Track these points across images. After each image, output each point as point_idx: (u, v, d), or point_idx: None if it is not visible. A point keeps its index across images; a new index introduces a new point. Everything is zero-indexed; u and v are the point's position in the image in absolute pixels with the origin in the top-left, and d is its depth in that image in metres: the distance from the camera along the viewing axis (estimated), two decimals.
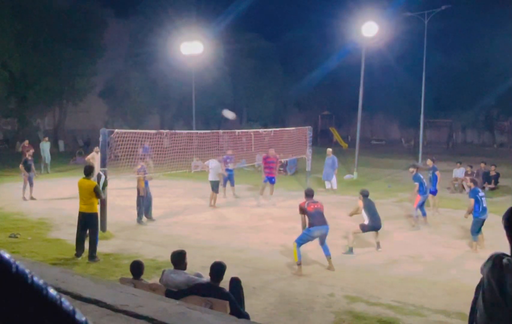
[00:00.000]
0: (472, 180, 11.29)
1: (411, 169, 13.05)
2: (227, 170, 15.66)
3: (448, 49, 45.33)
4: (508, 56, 37.14)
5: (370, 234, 10.24)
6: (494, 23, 40.82)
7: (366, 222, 9.92)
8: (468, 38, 44.61)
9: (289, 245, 10.35)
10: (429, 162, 14.38)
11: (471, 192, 10.70)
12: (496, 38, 40.13)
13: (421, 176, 12.70)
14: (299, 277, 8.26)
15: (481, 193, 10.51)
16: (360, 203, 10.09)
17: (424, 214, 12.54)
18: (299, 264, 8.45)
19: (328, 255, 8.75)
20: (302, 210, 8.78)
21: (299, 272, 8.38)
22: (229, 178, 16.03)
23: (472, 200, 10.27)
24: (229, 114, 22.12)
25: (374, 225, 9.95)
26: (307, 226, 8.67)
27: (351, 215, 10.54)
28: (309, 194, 8.97)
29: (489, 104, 44.39)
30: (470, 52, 43.95)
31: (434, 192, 13.75)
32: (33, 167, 15.24)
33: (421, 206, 12.45)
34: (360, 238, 11.06)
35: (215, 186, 14.53)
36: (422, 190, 12.31)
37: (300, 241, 8.57)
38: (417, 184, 12.36)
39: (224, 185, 15.91)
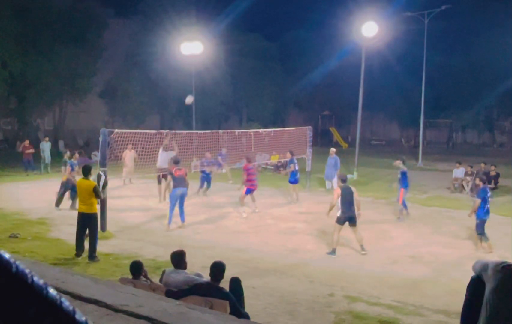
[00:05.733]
0: (481, 179, 10.80)
1: (397, 162, 13.64)
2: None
3: (448, 49, 45.29)
4: (508, 56, 37.13)
5: (369, 234, 10.23)
6: (494, 23, 40.78)
7: (339, 213, 9.78)
8: (468, 38, 44.60)
9: (289, 245, 10.38)
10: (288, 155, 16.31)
11: (480, 191, 10.37)
12: (496, 38, 40.09)
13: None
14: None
15: (489, 194, 10.31)
16: (338, 190, 9.90)
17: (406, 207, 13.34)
18: (169, 224, 11.38)
19: (182, 221, 11.51)
20: (170, 173, 11.80)
21: (167, 228, 11.27)
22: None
23: (479, 200, 10.09)
24: (189, 99, 21.79)
25: (346, 216, 9.72)
26: (172, 188, 11.73)
27: (329, 211, 10.23)
28: (176, 161, 11.71)
29: (489, 104, 44.38)
30: (470, 52, 43.92)
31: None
32: None
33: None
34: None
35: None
36: (405, 184, 13.13)
37: (172, 206, 11.39)
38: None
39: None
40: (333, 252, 9.65)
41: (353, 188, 10.01)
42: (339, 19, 37.35)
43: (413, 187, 19.33)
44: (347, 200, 9.72)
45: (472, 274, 2.84)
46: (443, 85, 44.72)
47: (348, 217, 9.74)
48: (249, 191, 13.65)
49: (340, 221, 9.74)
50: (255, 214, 13.50)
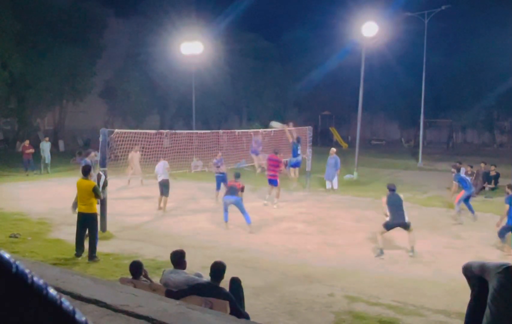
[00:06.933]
0: (510, 186, 10.76)
1: (452, 170, 14.18)
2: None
3: (448, 49, 45.26)
4: (508, 56, 37.12)
5: (369, 234, 10.23)
6: (494, 23, 40.75)
7: (388, 218, 9.89)
8: (468, 38, 44.53)
9: (289, 245, 10.39)
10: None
11: (506, 198, 10.43)
12: (496, 38, 40.07)
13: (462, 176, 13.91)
14: (296, 274, 8.27)
15: None
16: (383, 199, 10.17)
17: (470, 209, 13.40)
18: (226, 221, 11.74)
19: (248, 223, 11.51)
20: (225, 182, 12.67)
21: (227, 227, 11.65)
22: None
23: (508, 206, 10.13)
24: (277, 125, 19.00)
25: (395, 222, 9.81)
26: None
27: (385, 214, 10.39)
28: (236, 175, 12.35)
29: (489, 104, 44.30)
30: (470, 52, 43.87)
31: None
32: None
33: (465, 200, 13.36)
34: (360, 238, 11.07)
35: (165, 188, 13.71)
36: (465, 187, 13.34)
37: (224, 207, 11.84)
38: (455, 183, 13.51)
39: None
40: (381, 252, 9.66)
41: (401, 195, 10.25)
42: (339, 19, 37.30)
43: (413, 187, 19.38)
44: (396, 207, 9.85)
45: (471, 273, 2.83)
46: (443, 85, 44.71)
47: (398, 223, 9.81)
48: (270, 182, 14.84)
49: (387, 226, 9.85)
50: (256, 215, 13.49)
